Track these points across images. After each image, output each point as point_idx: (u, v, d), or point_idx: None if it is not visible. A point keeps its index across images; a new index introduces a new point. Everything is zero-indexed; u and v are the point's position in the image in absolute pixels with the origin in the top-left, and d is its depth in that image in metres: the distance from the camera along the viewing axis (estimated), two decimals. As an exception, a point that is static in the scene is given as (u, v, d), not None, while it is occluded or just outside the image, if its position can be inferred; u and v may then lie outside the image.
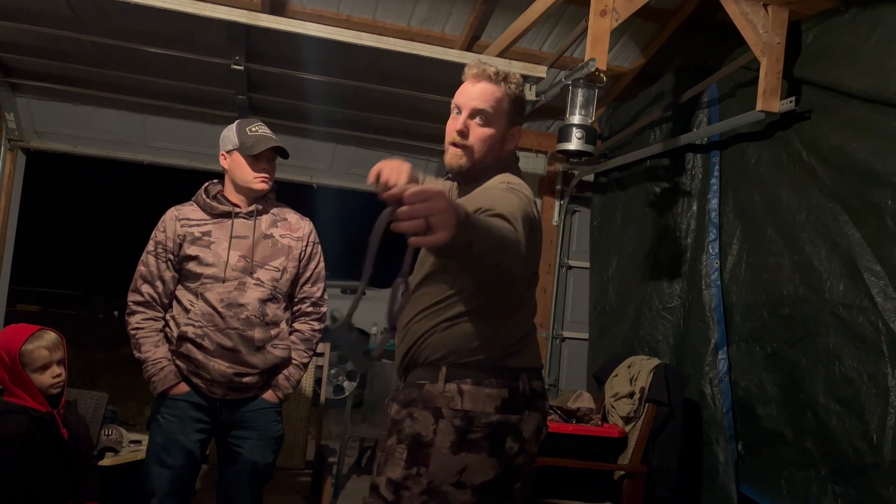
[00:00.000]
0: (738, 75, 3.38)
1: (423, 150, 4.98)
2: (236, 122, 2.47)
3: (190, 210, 2.45)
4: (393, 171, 1.63)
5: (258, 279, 2.39)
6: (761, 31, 2.97)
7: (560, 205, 4.99)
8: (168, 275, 2.39)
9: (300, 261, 2.50)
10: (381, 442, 1.72)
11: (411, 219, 1.17)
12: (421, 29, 4.07)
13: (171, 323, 2.38)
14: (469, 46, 4.08)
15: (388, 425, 1.70)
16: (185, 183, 3.03)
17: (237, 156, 2.40)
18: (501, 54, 3.74)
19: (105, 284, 15.65)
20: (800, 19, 3.02)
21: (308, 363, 2.56)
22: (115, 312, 14.58)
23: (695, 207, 3.68)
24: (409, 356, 1.70)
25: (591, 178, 4.81)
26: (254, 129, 2.42)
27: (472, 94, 1.70)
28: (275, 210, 2.52)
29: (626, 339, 4.07)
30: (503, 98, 1.71)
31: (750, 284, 3.24)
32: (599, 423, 3.41)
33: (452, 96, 1.75)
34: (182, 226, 2.40)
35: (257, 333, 2.36)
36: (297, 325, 2.53)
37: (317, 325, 2.55)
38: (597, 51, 2.84)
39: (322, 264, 2.58)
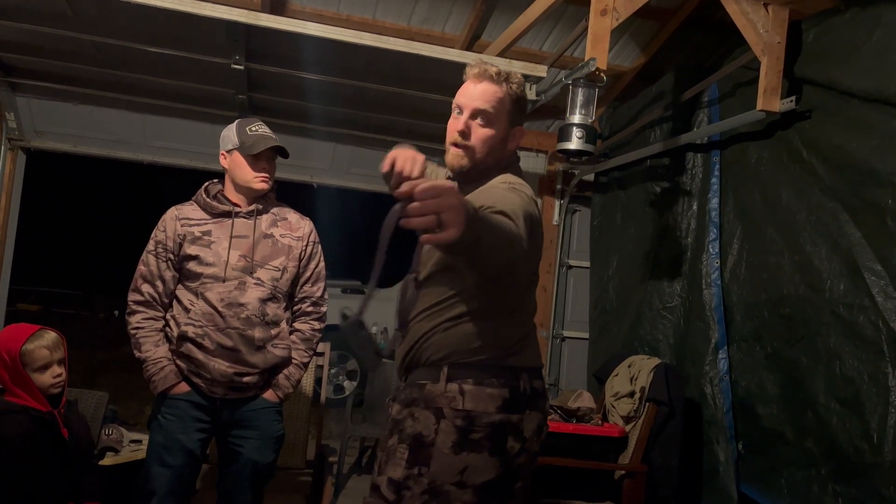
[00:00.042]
0: (739, 75, 3.38)
1: (423, 150, 4.93)
2: (236, 121, 2.47)
3: (190, 209, 2.45)
4: (408, 161, 1.63)
5: (258, 279, 2.39)
6: (762, 31, 2.97)
7: (560, 204, 4.99)
8: (168, 274, 2.39)
9: (300, 260, 2.50)
10: (382, 441, 1.71)
11: (422, 215, 1.16)
12: (421, 28, 4.07)
13: (172, 322, 2.38)
14: (469, 46, 4.08)
15: (389, 425, 1.69)
16: (185, 182, 3.03)
17: (237, 155, 2.40)
18: (502, 54, 3.74)
19: (105, 284, 15.64)
20: (800, 19, 3.02)
21: (308, 363, 2.56)
22: (116, 312, 14.54)
23: (695, 207, 3.68)
24: (411, 356, 1.70)
25: (591, 177, 4.81)
26: (254, 129, 2.42)
27: (474, 94, 1.70)
28: (275, 209, 2.52)
29: (627, 339, 4.07)
30: (505, 98, 1.71)
31: (750, 284, 3.24)
32: (600, 422, 3.40)
33: (453, 96, 1.75)
34: (182, 225, 2.40)
35: (257, 333, 2.36)
36: (297, 325, 2.53)
37: (317, 325, 2.55)
38: (597, 50, 2.84)
39: (322, 264, 2.58)
